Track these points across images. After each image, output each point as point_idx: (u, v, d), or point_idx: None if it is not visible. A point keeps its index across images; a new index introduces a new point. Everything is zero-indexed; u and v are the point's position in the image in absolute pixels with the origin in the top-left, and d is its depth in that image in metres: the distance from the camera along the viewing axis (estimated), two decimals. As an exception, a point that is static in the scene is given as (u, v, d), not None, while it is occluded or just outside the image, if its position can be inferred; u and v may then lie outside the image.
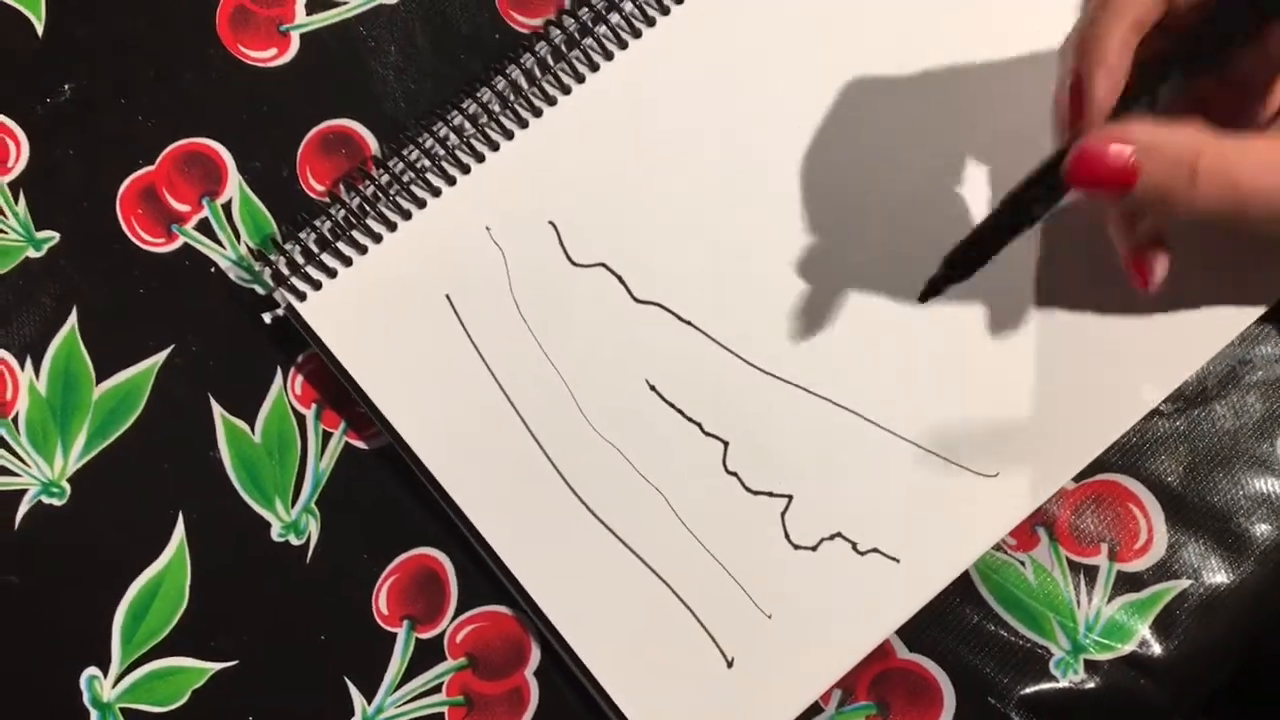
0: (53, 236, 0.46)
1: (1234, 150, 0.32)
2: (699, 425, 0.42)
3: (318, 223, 0.44)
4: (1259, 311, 0.42)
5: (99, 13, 0.47)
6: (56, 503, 0.44)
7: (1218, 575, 0.42)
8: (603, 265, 0.44)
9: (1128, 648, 0.41)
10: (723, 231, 0.44)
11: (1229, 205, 0.32)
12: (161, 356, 0.45)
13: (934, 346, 0.42)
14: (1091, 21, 0.34)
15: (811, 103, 0.44)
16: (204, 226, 0.46)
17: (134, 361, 0.45)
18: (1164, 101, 0.34)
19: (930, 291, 0.37)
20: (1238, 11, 0.32)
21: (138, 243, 0.46)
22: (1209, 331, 0.42)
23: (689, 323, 0.43)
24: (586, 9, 0.45)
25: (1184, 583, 0.41)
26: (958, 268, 0.37)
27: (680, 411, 0.43)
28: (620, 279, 0.43)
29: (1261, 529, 0.42)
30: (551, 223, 0.44)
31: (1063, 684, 0.41)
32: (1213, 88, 0.36)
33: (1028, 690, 0.41)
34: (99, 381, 0.45)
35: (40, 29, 0.47)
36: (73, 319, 0.45)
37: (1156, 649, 0.41)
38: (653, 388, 0.43)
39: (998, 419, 0.42)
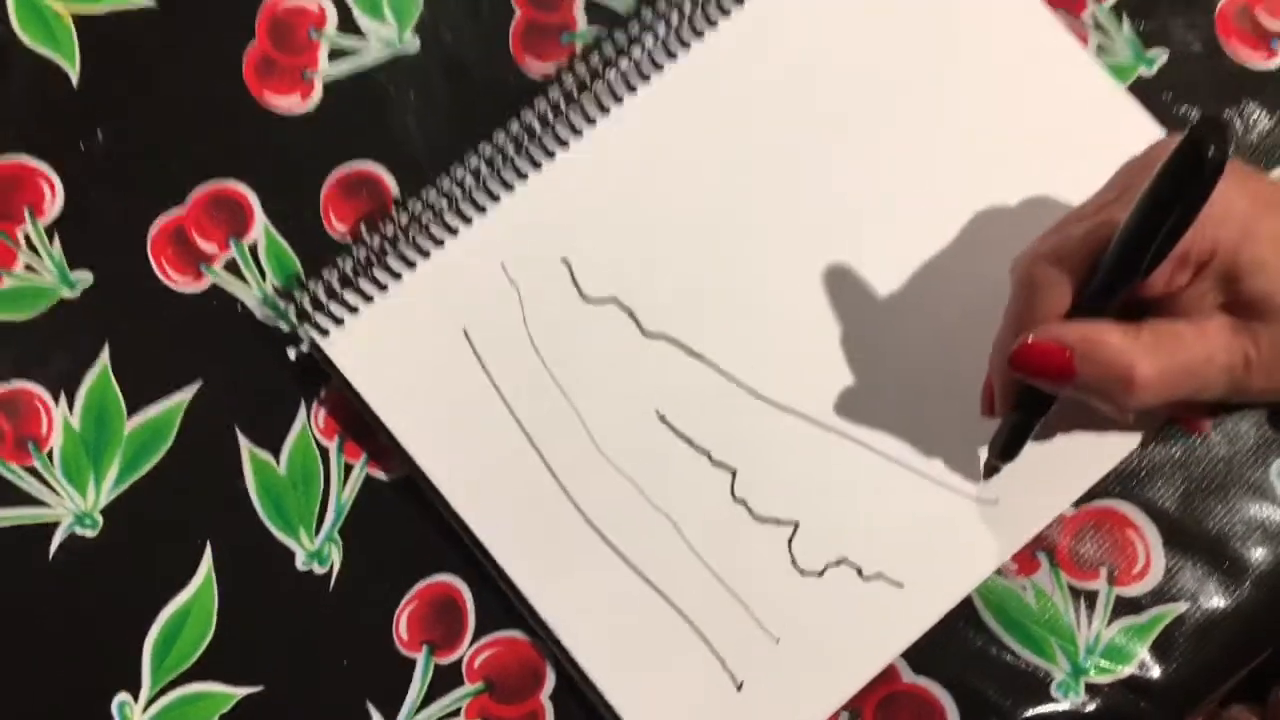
0: (86, 277, 0.48)
1: (1155, 345, 0.36)
2: (708, 454, 0.44)
3: (340, 262, 0.46)
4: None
5: (131, 63, 0.49)
6: (89, 534, 0.46)
7: (1215, 599, 0.43)
8: (614, 300, 0.45)
9: (1127, 670, 0.42)
10: (730, 267, 0.45)
11: (1161, 395, 0.36)
12: (190, 391, 0.47)
13: (937, 378, 0.44)
14: (1008, 331, 0.39)
15: (822, 144, 0.46)
16: (231, 266, 0.48)
17: (164, 396, 0.47)
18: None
19: (988, 474, 0.43)
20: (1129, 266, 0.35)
21: (167, 282, 0.48)
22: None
23: (698, 355, 0.45)
24: (597, 55, 0.46)
25: (1182, 606, 0.42)
26: (1004, 457, 0.42)
27: (689, 441, 0.44)
28: (630, 313, 0.45)
29: (1257, 553, 0.43)
30: (564, 260, 0.45)
31: (1064, 706, 0.42)
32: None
33: (1030, 713, 0.42)
34: (130, 416, 0.46)
35: (75, 79, 0.49)
36: (105, 355, 0.47)
37: (1155, 671, 0.42)
38: (662, 418, 0.44)
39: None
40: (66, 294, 0.47)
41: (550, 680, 0.44)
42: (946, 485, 0.43)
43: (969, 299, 0.43)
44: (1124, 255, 0.35)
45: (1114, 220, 0.35)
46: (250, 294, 0.47)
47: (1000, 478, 0.43)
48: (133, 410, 0.46)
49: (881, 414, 0.44)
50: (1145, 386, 0.36)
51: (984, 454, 0.43)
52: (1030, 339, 0.37)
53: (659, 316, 0.45)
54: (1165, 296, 0.37)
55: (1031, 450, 0.42)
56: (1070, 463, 0.43)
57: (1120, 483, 0.44)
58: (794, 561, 0.43)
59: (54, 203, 0.48)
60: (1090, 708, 0.42)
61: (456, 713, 0.44)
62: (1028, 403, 0.40)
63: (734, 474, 0.44)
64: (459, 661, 0.44)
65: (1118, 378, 0.36)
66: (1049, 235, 0.38)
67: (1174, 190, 0.33)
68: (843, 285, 0.45)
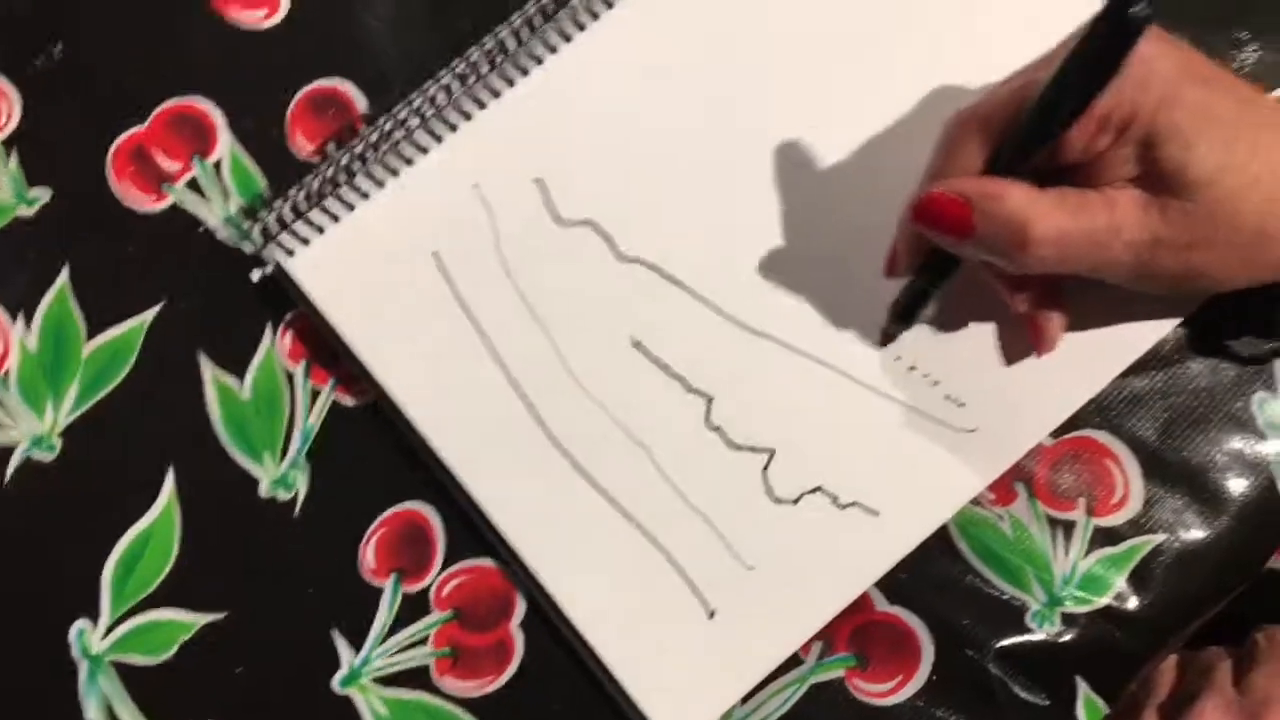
0: (44, 194, 0.46)
1: (1059, 208, 0.35)
2: (683, 381, 0.43)
3: (307, 180, 0.44)
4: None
5: (90, -27, 0.47)
6: (47, 457, 0.45)
7: (1193, 530, 0.42)
8: (589, 223, 0.44)
9: (1104, 601, 0.42)
10: (708, 190, 0.44)
11: (1058, 260, 0.36)
12: (151, 314, 0.45)
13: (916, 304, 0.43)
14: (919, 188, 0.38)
15: (800, 68, 0.45)
16: (194, 186, 0.46)
17: (124, 318, 0.45)
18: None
19: (885, 340, 0.43)
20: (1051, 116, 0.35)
21: (128, 201, 0.46)
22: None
23: (674, 280, 0.44)
24: (574, -30, 0.45)
25: (1160, 537, 0.42)
26: (902, 321, 0.42)
27: (665, 367, 0.43)
28: (606, 237, 0.44)
29: (1237, 485, 0.42)
30: (538, 181, 0.44)
31: (1039, 636, 0.42)
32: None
33: (1005, 642, 0.42)
34: (89, 338, 0.45)
35: (32, -10, 0.47)
36: (64, 276, 0.46)
37: (1132, 602, 0.42)
38: (637, 344, 0.43)
39: (977, 376, 0.42)
40: (23, 211, 0.46)
41: (520, 609, 0.43)
42: (924, 413, 0.42)
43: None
44: (1041, 113, 0.34)
45: (1038, 81, 0.34)
46: (214, 214, 0.46)
47: (979, 407, 0.42)
48: (92, 332, 0.45)
49: (859, 341, 0.43)
50: (1041, 244, 0.35)
51: (965, 395, 0.42)
52: (931, 191, 0.36)
53: (635, 240, 0.44)
54: (1084, 166, 0.36)
55: (1009, 379, 0.42)
56: (1049, 392, 0.42)
57: (1100, 413, 0.43)
58: (769, 489, 0.42)
59: (10, 117, 0.47)
60: (1066, 638, 0.42)
61: (424, 641, 0.43)
62: (930, 266, 0.40)
63: (709, 401, 0.43)
64: (427, 590, 0.43)
65: (1014, 233, 0.35)
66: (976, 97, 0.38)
67: (1095, 49, 0.32)
68: (822, 210, 0.44)
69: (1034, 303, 0.40)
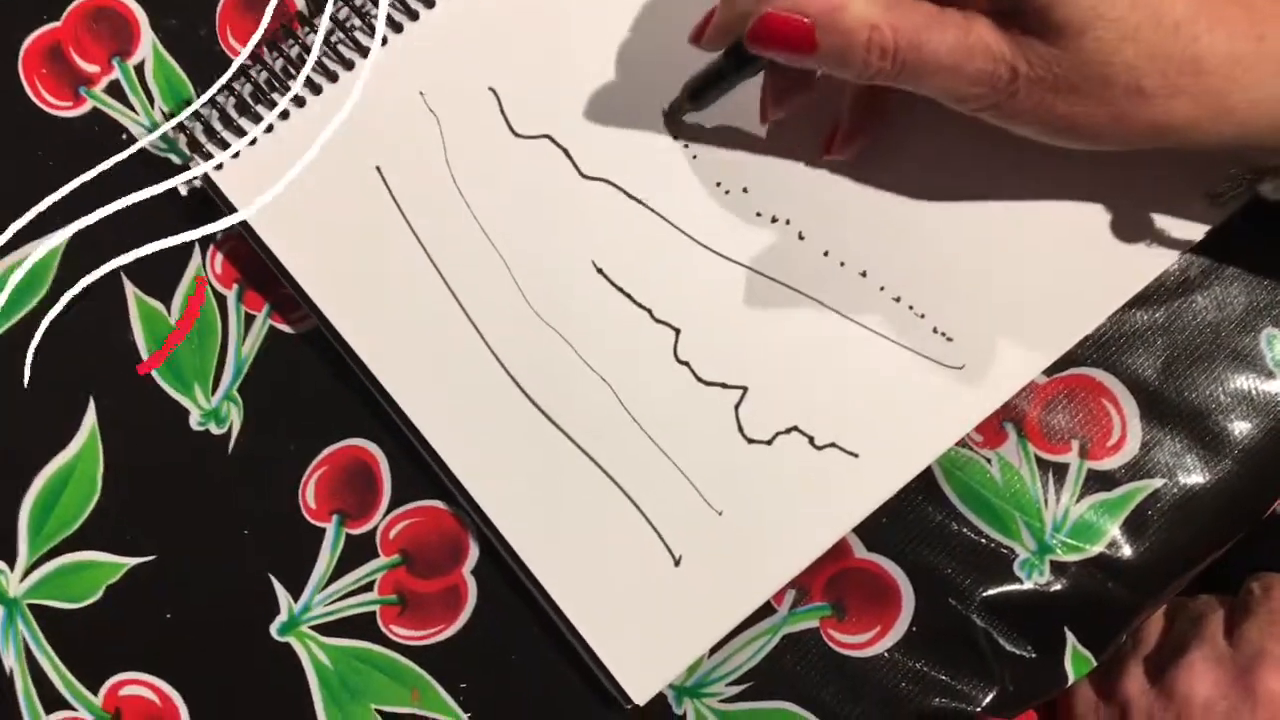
0: (-54, 97, 0.42)
1: (910, 22, 0.32)
2: (649, 311, 0.40)
3: (237, 85, 0.40)
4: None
5: None
6: (-44, 387, 0.41)
7: (1193, 475, 0.39)
8: (548, 137, 0.40)
9: (1096, 549, 0.39)
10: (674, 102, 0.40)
11: (902, 77, 0.33)
12: (69, 231, 0.42)
13: (899, 227, 0.39)
14: None
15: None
16: (114, 89, 0.42)
17: (38, 235, 0.42)
18: None
19: (671, 116, 0.40)
20: None
21: (41, 105, 0.42)
22: (1191, 219, 0.39)
23: (640, 201, 0.40)
24: None
25: (1157, 482, 0.39)
26: (697, 99, 0.38)
27: (629, 296, 0.40)
28: (566, 152, 0.40)
29: (1240, 427, 0.40)
30: (492, 89, 0.40)
31: (1027, 586, 0.39)
32: None
33: (990, 592, 0.39)
34: (0, 255, 0.41)
35: None
36: (-30, 187, 0.42)
37: (1126, 551, 0.39)
38: (600, 270, 0.40)
39: (965, 308, 0.39)
40: (-77, 116, 0.42)
41: (473, 554, 0.40)
42: (909, 348, 0.39)
43: (939, 139, 0.39)
44: None
45: None
46: (136, 121, 0.42)
47: (967, 342, 0.39)
48: (3, 251, 0.41)
49: (840, 271, 0.39)
50: (885, 47, 0.32)
51: (952, 329, 0.39)
52: (768, 12, 0.33)
53: (599, 157, 0.40)
54: None
55: (1001, 312, 0.39)
56: (1043, 326, 0.39)
57: (1098, 349, 0.40)
58: (741, 429, 0.39)
59: (-94, 11, 0.42)
60: (1055, 588, 0.39)
61: (369, 586, 0.40)
62: (740, 54, 0.36)
63: (677, 333, 0.39)
64: (373, 532, 0.40)
65: (858, 42, 0.32)
66: None
67: None
68: (798, 123, 0.40)
69: (855, 113, 0.38)
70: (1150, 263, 0.39)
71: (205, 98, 0.40)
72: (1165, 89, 0.31)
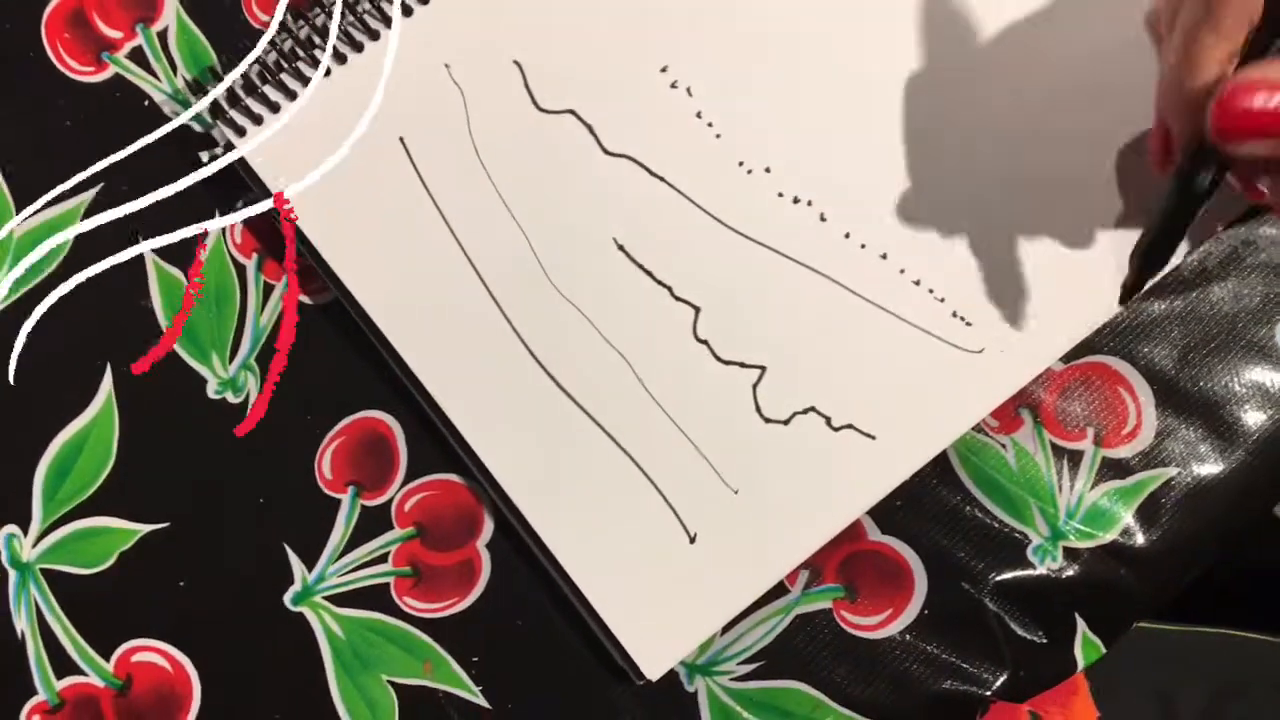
0: (-32, 60, 0.42)
1: None
2: (669, 289, 0.40)
3: (261, 53, 0.40)
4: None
5: None
6: (-28, 350, 0.41)
7: (1207, 465, 0.40)
8: (572, 112, 0.40)
9: (1109, 536, 0.39)
10: (703, 84, 0.40)
11: None
12: (89, 195, 0.41)
13: (921, 210, 0.39)
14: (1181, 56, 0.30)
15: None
16: (137, 55, 0.42)
17: (59, 200, 0.41)
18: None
19: (1129, 294, 0.35)
20: None
21: (64, 70, 0.42)
22: (1212, 210, 0.39)
23: (662, 179, 0.40)
24: None
25: (1171, 471, 0.40)
26: (1151, 265, 0.34)
27: (649, 274, 0.40)
28: (590, 128, 0.40)
29: (1255, 418, 0.40)
30: (517, 63, 0.40)
31: (1039, 571, 0.39)
32: None
33: (1003, 576, 0.39)
34: (21, 220, 0.41)
35: None
36: (-10, 150, 0.42)
37: (1139, 538, 0.39)
38: (621, 247, 0.40)
39: (985, 293, 0.39)
40: (-55, 78, 0.42)
41: (488, 528, 0.40)
42: (928, 331, 0.39)
43: (962, 122, 0.39)
44: None
45: None
46: (159, 88, 0.42)
47: (985, 327, 0.39)
48: (22, 213, 0.41)
49: (861, 254, 0.39)
50: None
51: (971, 314, 0.39)
52: (1230, 89, 0.29)
53: (623, 133, 0.40)
54: None
55: (1021, 298, 0.39)
56: (1061, 313, 0.39)
57: (1115, 337, 0.40)
58: (758, 408, 0.39)
59: (-69, -29, 0.42)
60: (1068, 574, 0.39)
61: (384, 558, 0.40)
62: (1192, 178, 0.32)
63: (697, 312, 0.40)
64: (388, 504, 0.40)
65: None
66: None
67: None
68: (825, 107, 0.40)
69: None
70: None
71: (237, 71, 0.40)
72: None
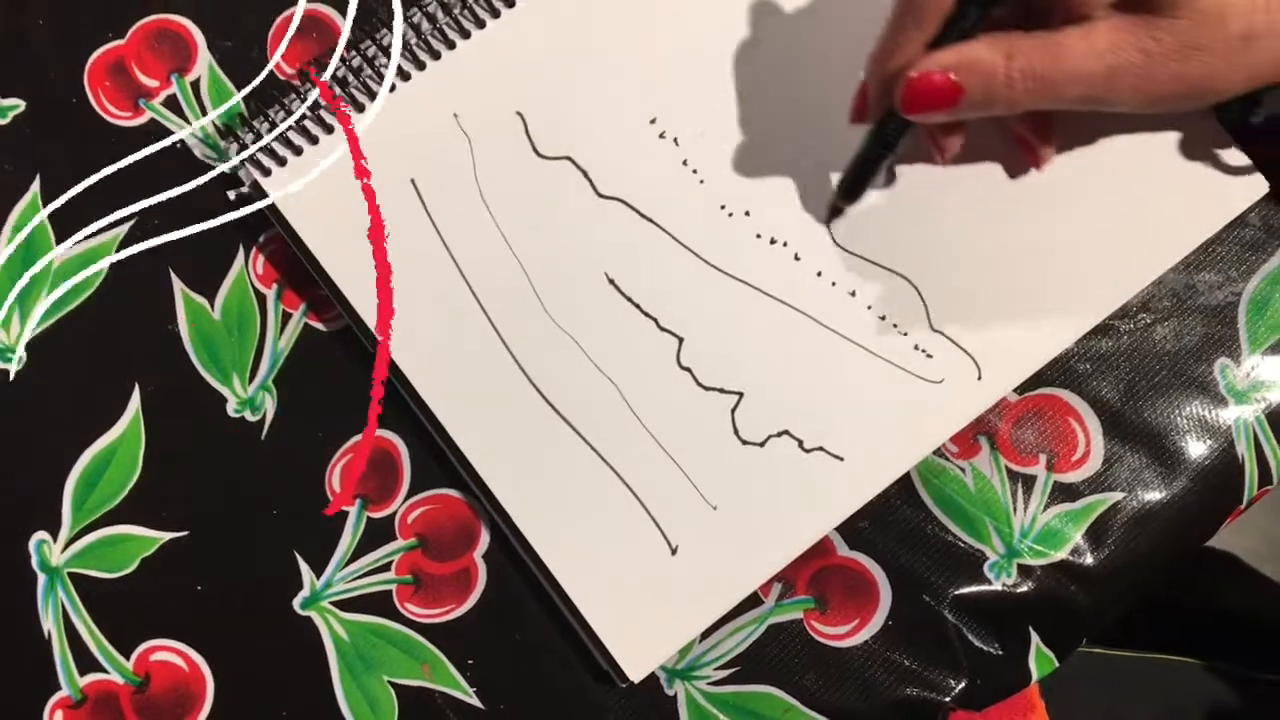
0: (18, 104, 0.46)
1: (1036, 49, 0.36)
2: (655, 320, 0.43)
3: (286, 101, 0.44)
4: (1206, 235, 0.43)
5: (74, -119, 0.47)
6: (11, 368, 0.44)
7: (1151, 490, 0.43)
8: (568, 158, 0.44)
9: (1060, 555, 0.42)
10: (686, 132, 0.44)
11: (1045, 95, 0.36)
12: (123, 229, 0.45)
13: (886, 252, 0.43)
14: (888, 41, 0.38)
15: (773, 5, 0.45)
16: (171, 103, 0.46)
17: (96, 233, 0.45)
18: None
19: (831, 217, 0.43)
20: None
21: (104, 115, 0.46)
22: (1154, 253, 0.43)
23: (651, 220, 0.44)
24: (565, -96, 0.45)
25: (1118, 495, 0.43)
26: (848, 195, 0.42)
27: (637, 306, 0.43)
28: (585, 173, 0.44)
29: (1195, 448, 0.43)
30: (519, 113, 0.44)
31: (995, 586, 0.42)
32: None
33: (961, 591, 0.42)
34: (60, 250, 0.45)
35: (13, -106, 0.46)
36: (35, 187, 0.45)
37: (1088, 558, 0.42)
38: (611, 281, 0.43)
39: (945, 329, 0.43)
40: (-3, 120, 0.45)
41: (484, 540, 0.43)
42: (893, 363, 0.42)
43: (925, 173, 0.43)
44: None
45: None
46: (191, 133, 0.46)
47: (945, 359, 0.42)
48: (62, 244, 0.45)
49: (831, 289, 0.43)
50: (1023, 72, 0.36)
51: (932, 346, 0.42)
52: (913, 75, 0.37)
53: (614, 178, 0.44)
54: (1062, 3, 0.36)
55: (977, 333, 0.42)
56: (1015, 349, 0.43)
57: (1064, 372, 0.43)
58: (736, 431, 0.42)
59: (-14, 24, 0.46)
60: (1022, 589, 0.42)
61: (387, 567, 0.43)
62: (883, 132, 0.40)
63: (681, 341, 0.43)
64: (392, 516, 0.43)
65: (998, 80, 0.36)
66: None
67: None
68: (801, 157, 0.44)
69: (1030, 132, 0.42)
70: (1112, 293, 0.43)
71: (271, 133, 0.44)
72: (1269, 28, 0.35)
